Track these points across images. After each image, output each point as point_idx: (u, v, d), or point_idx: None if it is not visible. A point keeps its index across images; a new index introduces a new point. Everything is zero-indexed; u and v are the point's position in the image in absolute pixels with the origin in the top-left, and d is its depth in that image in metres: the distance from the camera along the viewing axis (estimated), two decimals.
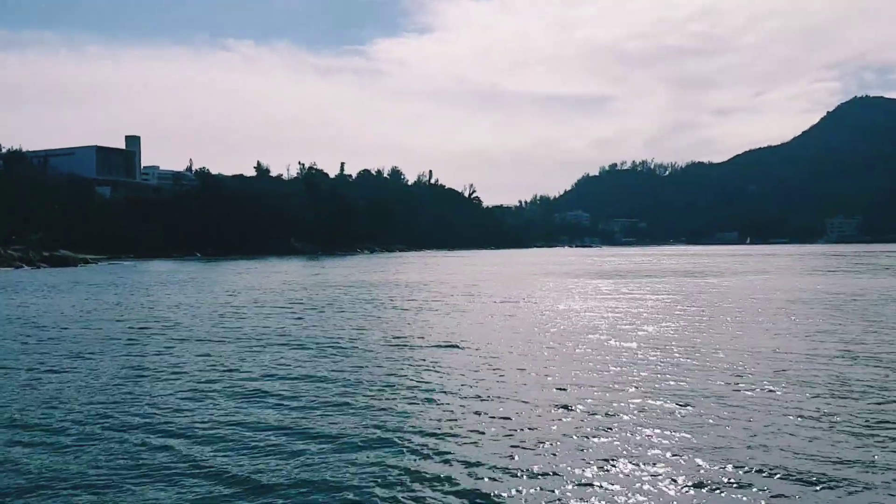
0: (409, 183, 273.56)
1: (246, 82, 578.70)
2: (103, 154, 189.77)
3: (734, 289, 43.82)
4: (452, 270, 75.54)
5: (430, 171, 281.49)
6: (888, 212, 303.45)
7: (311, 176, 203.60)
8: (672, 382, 14.41)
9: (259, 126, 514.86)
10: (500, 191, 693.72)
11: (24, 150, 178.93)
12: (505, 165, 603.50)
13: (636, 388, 13.95)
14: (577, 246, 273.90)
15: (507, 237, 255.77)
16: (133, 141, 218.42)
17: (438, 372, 16.03)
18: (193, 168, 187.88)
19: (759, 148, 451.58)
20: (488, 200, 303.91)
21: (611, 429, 10.95)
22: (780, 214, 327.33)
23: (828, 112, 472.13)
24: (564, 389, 13.89)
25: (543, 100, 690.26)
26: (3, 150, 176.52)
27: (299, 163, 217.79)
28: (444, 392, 13.84)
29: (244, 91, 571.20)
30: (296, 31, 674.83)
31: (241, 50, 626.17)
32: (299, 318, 27.85)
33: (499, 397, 13.35)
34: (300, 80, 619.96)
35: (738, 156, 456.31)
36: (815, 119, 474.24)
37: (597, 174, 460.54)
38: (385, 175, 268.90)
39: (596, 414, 11.89)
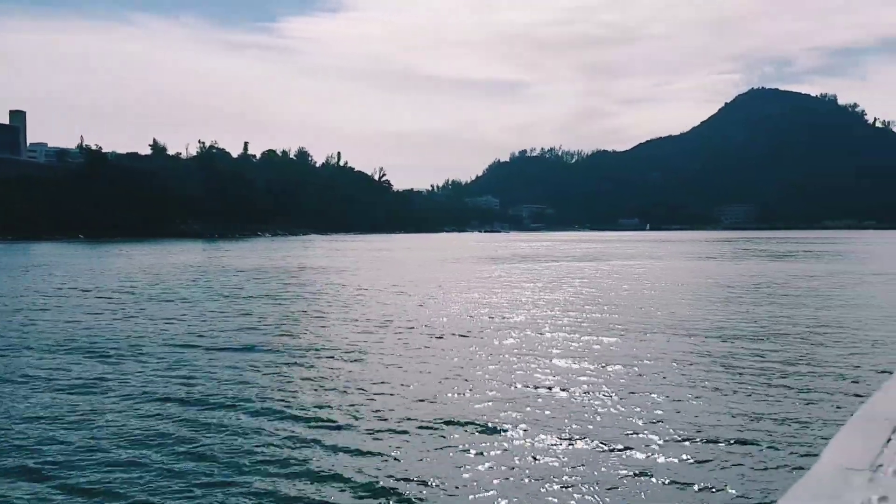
0: (318, 165, 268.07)
1: (149, 57, 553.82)
2: None
3: (613, 272, 44.88)
4: (353, 257, 74.33)
5: (339, 153, 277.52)
6: (779, 200, 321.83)
7: (210, 155, 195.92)
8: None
9: (162, 103, 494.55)
10: (416, 173, 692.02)
11: None
12: (422, 148, 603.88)
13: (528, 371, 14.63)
14: (486, 231, 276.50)
15: (418, 221, 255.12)
16: (18, 116, 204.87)
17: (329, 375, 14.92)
18: (85, 145, 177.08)
19: (660, 137, 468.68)
20: (402, 184, 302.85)
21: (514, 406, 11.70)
22: (679, 202, 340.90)
23: (725, 103, 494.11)
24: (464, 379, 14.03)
25: (460, 83, 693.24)
26: None
27: (199, 141, 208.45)
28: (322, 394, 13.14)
29: (147, 66, 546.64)
30: (204, 5, 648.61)
31: (145, 23, 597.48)
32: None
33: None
34: (208, 56, 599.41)
35: (640, 145, 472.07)
36: (715, 110, 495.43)
37: (507, 160, 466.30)
38: (292, 156, 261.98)
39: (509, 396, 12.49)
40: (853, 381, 13.53)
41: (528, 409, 11.61)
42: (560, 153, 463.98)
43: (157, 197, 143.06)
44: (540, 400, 12.26)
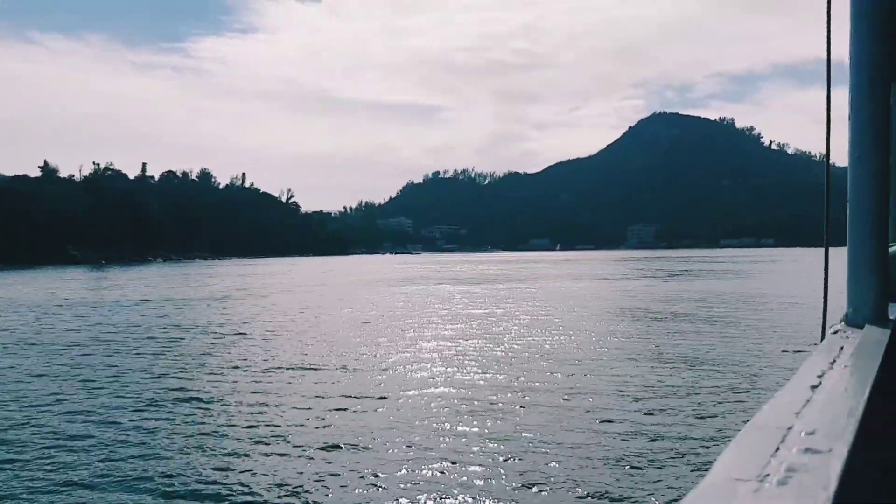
0: (221, 186, 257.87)
1: (52, 77, 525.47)
2: None
3: (513, 294, 41.47)
4: (236, 284, 68.54)
5: (244, 175, 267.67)
6: (680, 220, 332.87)
7: (99, 177, 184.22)
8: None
9: (64, 124, 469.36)
10: (329, 196, 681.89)
11: None
12: (337, 171, 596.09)
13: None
14: (398, 252, 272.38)
15: (327, 244, 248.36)
16: None
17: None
18: None
19: (569, 160, 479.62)
20: (316, 206, 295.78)
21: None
22: (588, 222, 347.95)
23: (630, 127, 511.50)
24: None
25: (377, 106, 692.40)
26: None
27: (93, 163, 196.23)
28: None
29: (49, 86, 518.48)
30: (111, 25, 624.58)
31: (47, 43, 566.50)
32: None
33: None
34: (114, 77, 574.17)
35: (550, 167, 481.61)
36: (620, 134, 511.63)
37: (421, 182, 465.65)
38: (193, 177, 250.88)
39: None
40: (750, 392, 13.93)
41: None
42: (473, 175, 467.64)
43: (36, 221, 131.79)
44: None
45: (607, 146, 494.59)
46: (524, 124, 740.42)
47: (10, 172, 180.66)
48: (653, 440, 10.66)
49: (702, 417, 12.07)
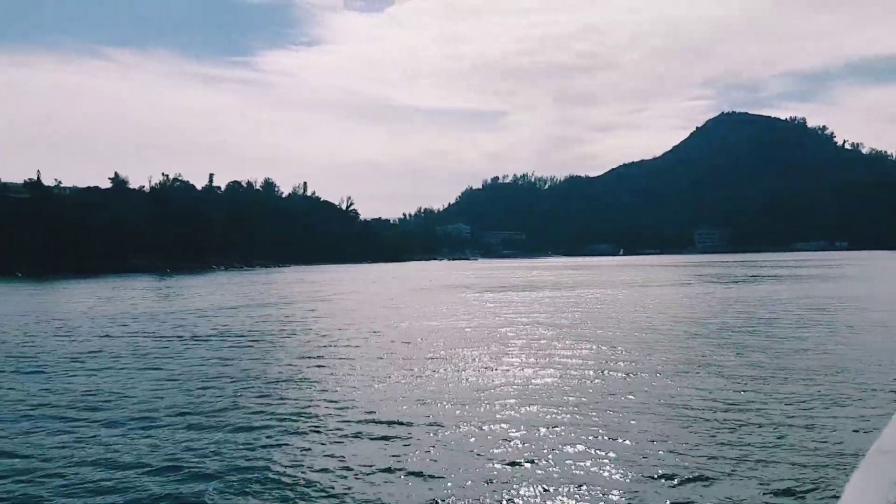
0: (284, 195, 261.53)
1: (122, 91, 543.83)
2: None
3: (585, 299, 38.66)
4: (306, 290, 67.66)
5: (305, 184, 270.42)
6: (750, 222, 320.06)
7: (165, 188, 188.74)
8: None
9: (133, 137, 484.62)
10: (388, 203, 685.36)
11: None
12: (398, 178, 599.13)
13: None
14: (455, 258, 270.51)
15: (385, 251, 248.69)
16: None
17: None
18: (28, 179, 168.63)
19: (633, 162, 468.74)
20: (375, 213, 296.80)
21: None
22: (652, 226, 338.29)
23: (697, 128, 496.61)
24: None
25: (435, 112, 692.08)
26: None
27: (163, 174, 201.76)
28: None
29: (118, 100, 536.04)
30: (179, 40, 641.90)
31: (118, 58, 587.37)
32: None
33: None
34: (183, 90, 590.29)
35: (612, 170, 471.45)
36: (686, 135, 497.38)
37: (480, 187, 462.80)
38: (257, 187, 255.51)
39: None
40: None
41: None
42: (533, 179, 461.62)
43: (104, 232, 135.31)
44: None
45: (673, 147, 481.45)
46: (585, 127, 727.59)
47: (82, 184, 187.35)
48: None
49: (819, 433, 11.45)
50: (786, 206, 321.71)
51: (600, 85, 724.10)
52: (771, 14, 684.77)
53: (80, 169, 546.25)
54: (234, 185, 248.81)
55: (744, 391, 14.55)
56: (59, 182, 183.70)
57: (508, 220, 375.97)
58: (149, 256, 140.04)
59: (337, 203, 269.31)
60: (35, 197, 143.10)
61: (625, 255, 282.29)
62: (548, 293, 52.03)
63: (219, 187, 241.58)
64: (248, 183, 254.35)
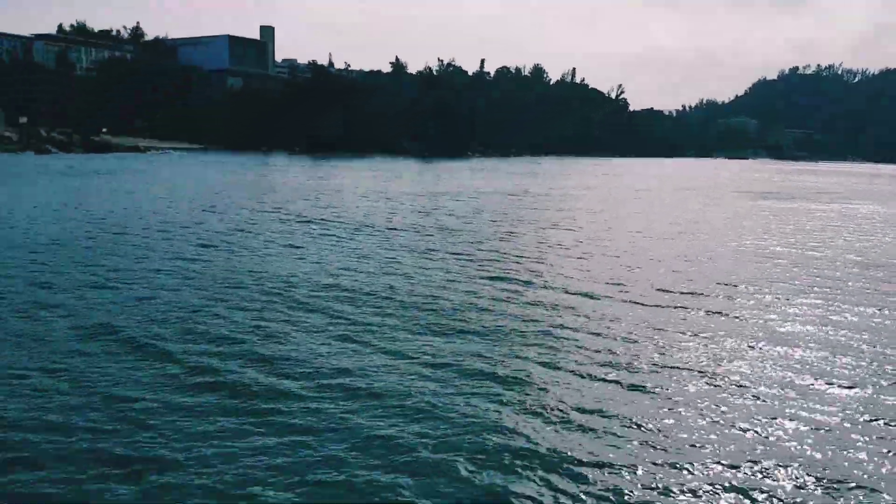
0: (552, 82, 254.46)
1: None
2: (236, 44, 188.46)
3: None
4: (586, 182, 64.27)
5: (574, 70, 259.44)
6: None
7: (440, 73, 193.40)
8: None
9: (438, 26, 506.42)
10: (673, 95, 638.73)
11: (168, 37, 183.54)
12: (684, 68, 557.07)
13: None
14: (732, 157, 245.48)
15: (654, 145, 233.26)
16: (267, 31, 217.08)
17: None
18: (311, 61, 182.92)
19: None
20: (655, 105, 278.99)
21: None
22: None
23: None
24: None
25: None
26: (146, 39, 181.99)
27: (438, 59, 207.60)
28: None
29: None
30: None
31: None
32: None
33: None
34: None
35: None
36: None
37: (775, 78, 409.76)
38: (526, 73, 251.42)
39: None
40: None
41: None
42: (841, 71, 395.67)
43: (373, 114, 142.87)
44: None
45: None
46: None
47: (367, 68, 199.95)
48: None
49: None
50: None
51: None
52: None
53: (363, 56, 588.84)
54: (503, 70, 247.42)
55: None
56: (348, 65, 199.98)
57: (804, 116, 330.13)
58: (415, 140, 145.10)
59: (606, 92, 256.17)
60: (316, 78, 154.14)
61: None
62: None
63: (489, 73, 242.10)
64: (517, 69, 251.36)
